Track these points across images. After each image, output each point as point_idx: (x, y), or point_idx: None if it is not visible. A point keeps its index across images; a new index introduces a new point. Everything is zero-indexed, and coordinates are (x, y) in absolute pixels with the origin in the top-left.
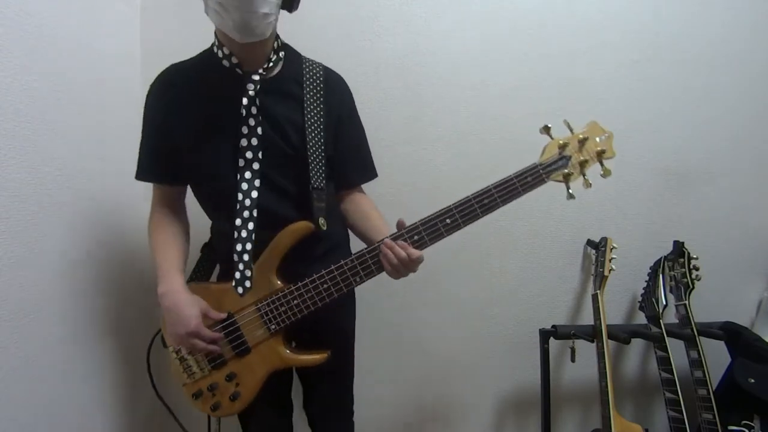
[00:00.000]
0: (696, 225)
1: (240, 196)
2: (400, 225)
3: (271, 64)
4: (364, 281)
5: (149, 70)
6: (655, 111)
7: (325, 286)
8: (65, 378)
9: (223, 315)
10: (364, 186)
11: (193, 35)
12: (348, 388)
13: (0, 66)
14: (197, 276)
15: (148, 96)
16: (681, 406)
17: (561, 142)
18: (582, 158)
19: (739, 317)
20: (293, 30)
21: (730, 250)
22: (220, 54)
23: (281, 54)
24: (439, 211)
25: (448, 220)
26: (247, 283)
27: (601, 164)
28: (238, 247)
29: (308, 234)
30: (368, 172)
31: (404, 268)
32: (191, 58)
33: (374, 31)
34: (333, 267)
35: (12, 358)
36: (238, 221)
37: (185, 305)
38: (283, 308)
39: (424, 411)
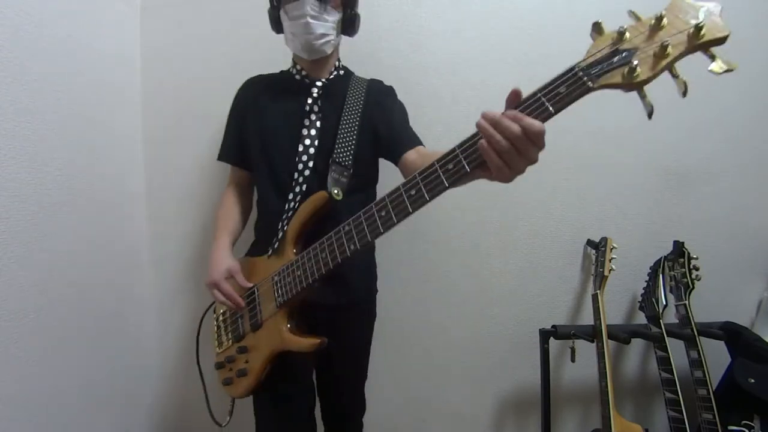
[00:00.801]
0: (696, 225)
1: (296, 174)
2: (513, 97)
3: (331, 76)
4: (357, 248)
5: (149, 70)
6: (656, 111)
7: (323, 254)
8: (66, 378)
9: (249, 284)
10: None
11: (193, 35)
12: (359, 391)
13: (0, 66)
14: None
15: (236, 95)
16: (681, 406)
17: (615, 32)
18: (659, 43)
19: (739, 317)
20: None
21: (730, 250)
22: (293, 71)
23: (340, 72)
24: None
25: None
26: (277, 245)
27: (707, 52)
28: (284, 217)
29: (324, 203)
30: (414, 140)
31: (520, 152)
32: (272, 73)
33: (374, 31)
34: (331, 233)
35: (12, 358)
36: (290, 195)
37: (217, 260)
38: (289, 279)
39: (423, 410)
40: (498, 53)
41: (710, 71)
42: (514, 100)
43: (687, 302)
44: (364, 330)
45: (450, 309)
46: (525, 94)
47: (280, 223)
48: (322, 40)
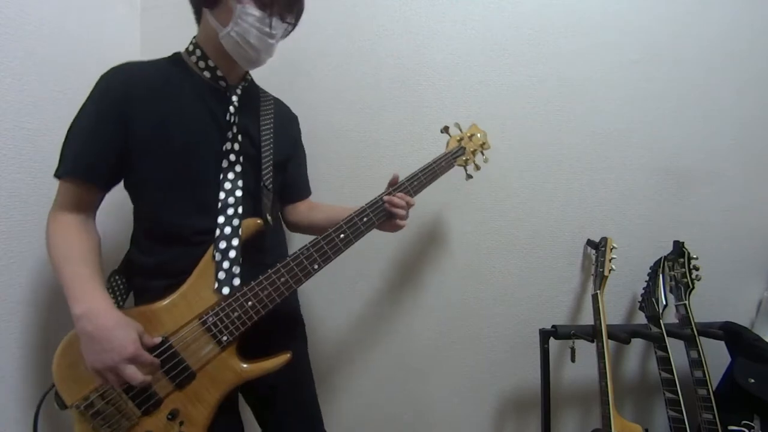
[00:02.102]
0: (696, 225)
1: (222, 195)
2: (393, 181)
3: (246, 83)
4: (322, 267)
5: None
6: (655, 111)
7: (282, 279)
8: None
9: (157, 339)
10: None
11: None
12: (313, 397)
13: (0, 66)
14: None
15: (103, 88)
16: (681, 406)
17: (458, 137)
18: (472, 148)
19: (739, 317)
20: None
21: (730, 250)
22: (201, 64)
23: (249, 77)
24: (369, 200)
25: (370, 214)
26: (236, 281)
27: (482, 153)
28: (222, 245)
29: (259, 231)
30: (307, 188)
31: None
32: (154, 60)
33: (374, 31)
34: (289, 258)
35: (12, 358)
36: (221, 218)
37: (119, 326)
38: (236, 314)
39: (423, 411)
40: (498, 53)
41: (483, 161)
42: (395, 182)
43: (687, 302)
44: (298, 343)
45: (450, 309)
46: None
47: (223, 249)
48: (267, 60)
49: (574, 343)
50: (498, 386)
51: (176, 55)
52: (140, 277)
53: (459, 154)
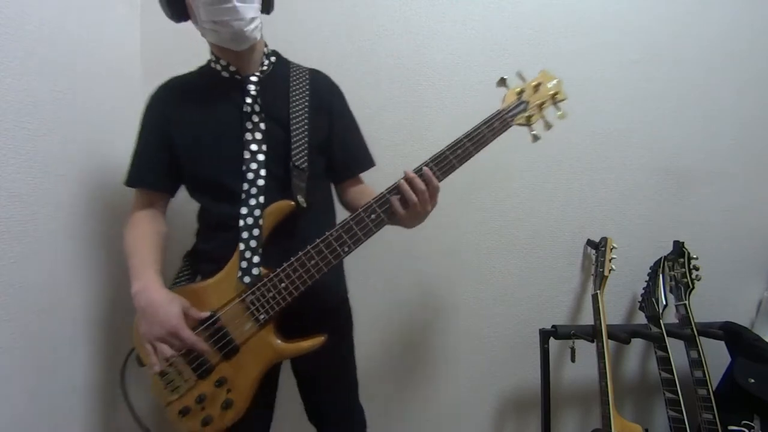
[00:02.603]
0: (696, 225)
1: (245, 186)
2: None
3: (264, 67)
4: (352, 250)
5: (149, 70)
6: (655, 111)
7: (312, 262)
8: (66, 378)
9: (206, 314)
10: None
11: (192, 36)
12: (354, 395)
13: (0, 66)
14: (177, 284)
15: (148, 107)
16: (681, 406)
17: (518, 89)
18: (539, 100)
19: (739, 317)
20: (293, 30)
21: (730, 250)
22: (218, 67)
23: (272, 59)
24: (418, 166)
25: (432, 165)
26: (255, 270)
27: (556, 107)
28: (244, 235)
29: (288, 212)
30: (364, 161)
31: (422, 204)
32: (189, 73)
33: (374, 31)
34: (318, 240)
35: (12, 359)
36: (243, 209)
37: (163, 302)
38: (271, 294)
39: (423, 411)
40: (498, 53)
41: (558, 116)
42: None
43: (687, 302)
44: (344, 331)
45: (450, 309)
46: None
47: (245, 239)
48: (252, 25)
49: (574, 343)
50: (498, 386)
51: (207, 63)
52: (199, 261)
53: (519, 110)
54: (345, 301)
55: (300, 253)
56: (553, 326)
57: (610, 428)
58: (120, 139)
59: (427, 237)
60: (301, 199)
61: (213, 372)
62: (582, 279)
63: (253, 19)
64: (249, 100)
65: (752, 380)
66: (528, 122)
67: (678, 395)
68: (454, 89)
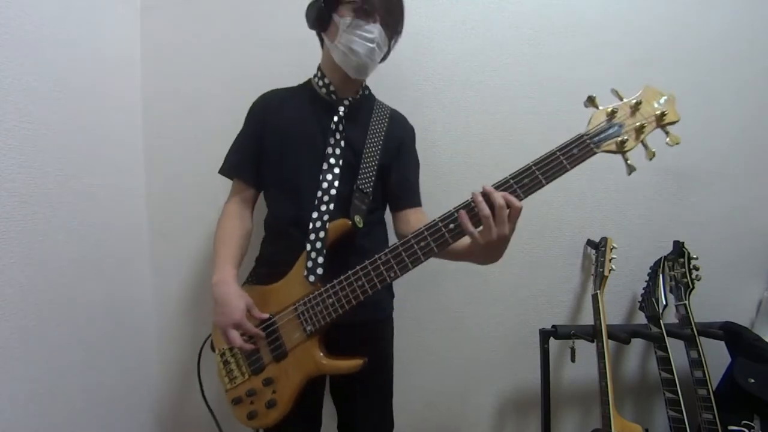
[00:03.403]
0: (696, 225)
1: (319, 193)
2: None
3: (358, 96)
4: (399, 276)
5: (149, 70)
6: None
7: (359, 282)
8: (66, 378)
9: (266, 315)
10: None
11: (193, 36)
12: (389, 407)
13: (0, 66)
14: (248, 282)
15: (251, 109)
16: (681, 406)
17: (609, 109)
18: (638, 123)
19: (739, 317)
20: (293, 30)
21: (730, 250)
22: (320, 83)
23: (366, 92)
24: (454, 207)
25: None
26: (320, 270)
27: (664, 130)
28: (312, 236)
29: (346, 231)
30: (415, 200)
31: (498, 224)
32: (291, 87)
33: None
34: (367, 262)
35: (12, 359)
36: (314, 214)
37: (233, 296)
38: (319, 308)
39: (423, 411)
40: (498, 53)
41: (666, 143)
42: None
43: (687, 302)
44: (386, 344)
45: (450, 309)
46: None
47: (312, 241)
48: (374, 67)
49: (574, 343)
50: (498, 386)
51: (308, 81)
52: (264, 264)
53: (609, 135)
54: (389, 316)
55: (349, 272)
56: (553, 326)
57: (610, 428)
58: (120, 138)
59: None
60: (358, 219)
61: (264, 371)
62: (582, 279)
63: (376, 62)
64: (336, 119)
65: (752, 380)
66: (621, 149)
67: (678, 395)
68: (454, 89)
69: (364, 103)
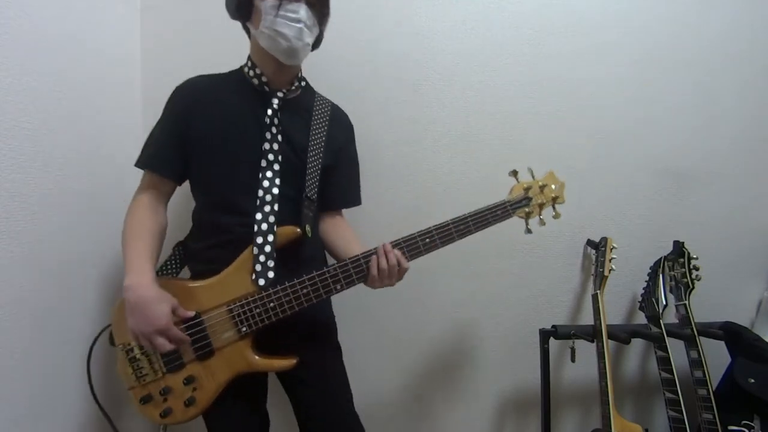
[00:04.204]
0: (696, 225)
1: (261, 192)
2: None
3: (293, 87)
4: (343, 290)
5: (149, 70)
6: (655, 111)
7: (305, 291)
8: (66, 378)
9: (191, 313)
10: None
11: (192, 35)
12: (349, 406)
13: (0, 66)
14: (164, 273)
15: (171, 97)
16: (681, 406)
17: (525, 185)
18: (541, 201)
19: (739, 317)
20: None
21: (730, 250)
22: (251, 74)
23: (302, 83)
24: (420, 231)
25: (427, 240)
26: (270, 274)
27: (554, 208)
28: (259, 240)
29: (295, 239)
30: (352, 199)
31: (389, 276)
32: (218, 74)
33: (374, 31)
34: (315, 273)
35: (12, 359)
36: (258, 215)
37: (155, 301)
38: (258, 310)
39: (423, 411)
40: (498, 53)
41: (552, 217)
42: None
43: (687, 302)
44: (327, 336)
45: (450, 309)
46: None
47: (260, 244)
48: (305, 50)
49: (574, 343)
50: (498, 386)
51: (239, 68)
52: (191, 258)
53: (522, 205)
54: (329, 318)
55: (296, 281)
56: (553, 326)
57: (610, 428)
58: (120, 138)
59: None
60: (308, 228)
61: (183, 369)
62: (582, 279)
63: (307, 45)
64: (270, 113)
65: (752, 380)
66: (526, 217)
67: (678, 395)
68: (454, 89)
69: (303, 97)
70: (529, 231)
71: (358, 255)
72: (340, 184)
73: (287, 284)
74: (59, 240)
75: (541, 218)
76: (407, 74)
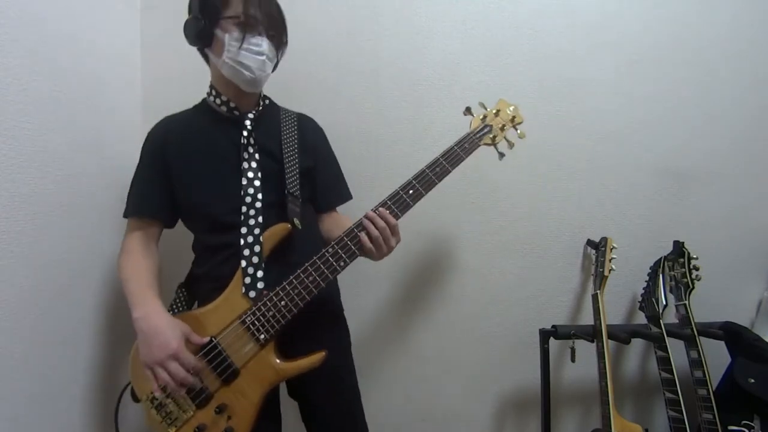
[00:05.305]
0: (696, 225)
1: (244, 209)
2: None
3: (260, 107)
4: (348, 264)
5: (149, 70)
6: (655, 111)
7: (310, 278)
8: (66, 379)
9: (205, 339)
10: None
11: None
12: (359, 414)
13: (0, 66)
14: (174, 312)
15: (146, 141)
16: (681, 406)
17: (481, 116)
18: (500, 124)
19: (739, 317)
20: (294, 31)
21: (730, 250)
22: (218, 101)
23: (266, 102)
24: (400, 185)
25: (411, 191)
26: (260, 284)
27: (515, 127)
28: (246, 252)
29: (285, 235)
30: (344, 195)
31: (385, 240)
32: (185, 111)
33: (374, 31)
34: (315, 257)
35: (12, 359)
36: (243, 229)
37: (165, 327)
38: (271, 313)
39: (423, 411)
40: (497, 53)
41: (518, 136)
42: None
43: (687, 302)
44: (339, 336)
45: (450, 309)
46: None
47: (247, 257)
48: (266, 79)
49: (574, 343)
50: (498, 386)
51: (202, 101)
52: (196, 283)
53: (485, 132)
54: (340, 313)
55: (298, 271)
56: (553, 326)
57: (610, 428)
58: (120, 138)
59: (426, 237)
60: (297, 221)
61: (212, 399)
62: (582, 279)
63: (268, 75)
64: (245, 133)
65: (752, 380)
66: (493, 142)
67: (678, 395)
68: (454, 89)
69: (268, 112)
70: (502, 155)
71: (351, 226)
72: (327, 182)
73: (292, 277)
74: (59, 240)
75: (507, 140)
76: (407, 74)
